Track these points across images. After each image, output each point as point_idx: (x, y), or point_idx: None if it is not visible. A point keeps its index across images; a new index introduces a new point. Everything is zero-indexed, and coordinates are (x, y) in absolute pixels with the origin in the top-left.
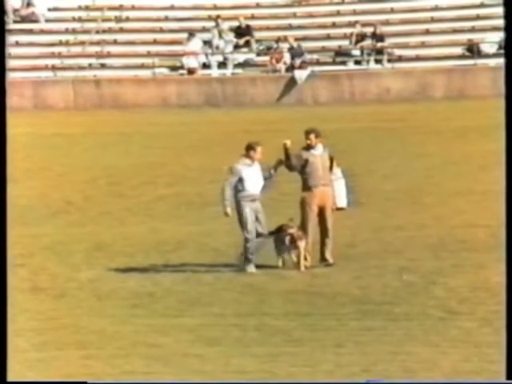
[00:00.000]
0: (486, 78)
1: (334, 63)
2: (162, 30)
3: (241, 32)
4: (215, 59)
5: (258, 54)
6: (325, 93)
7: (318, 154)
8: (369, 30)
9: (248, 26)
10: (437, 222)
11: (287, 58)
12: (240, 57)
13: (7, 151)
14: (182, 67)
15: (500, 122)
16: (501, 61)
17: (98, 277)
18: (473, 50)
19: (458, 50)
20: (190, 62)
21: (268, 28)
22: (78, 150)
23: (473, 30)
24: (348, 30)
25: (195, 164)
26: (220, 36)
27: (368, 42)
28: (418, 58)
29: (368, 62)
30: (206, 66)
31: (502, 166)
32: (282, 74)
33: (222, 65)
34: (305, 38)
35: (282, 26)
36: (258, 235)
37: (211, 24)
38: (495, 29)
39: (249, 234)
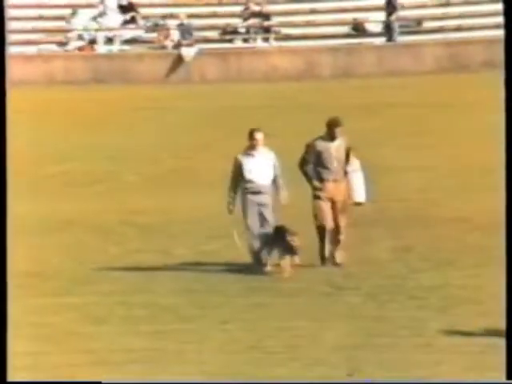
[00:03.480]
0: (371, 56)
1: (221, 41)
2: (47, 6)
3: (126, 8)
4: (102, 35)
5: (146, 31)
6: (212, 70)
7: (334, 146)
8: (255, 8)
9: (131, 3)
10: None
11: (175, 35)
12: (127, 33)
13: None
14: (67, 43)
15: (385, 99)
16: (383, 39)
17: None
18: (358, 29)
19: (344, 29)
20: (77, 38)
21: (154, 5)
22: None
23: (358, 9)
24: (235, 8)
25: (82, 142)
26: (105, 12)
27: (255, 21)
28: (304, 37)
29: (255, 40)
30: (92, 42)
31: (392, 142)
32: (170, 51)
33: (109, 41)
34: (192, 16)
35: (169, 3)
36: (261, 233)
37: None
38: (379, 8)
39: (248, 231)
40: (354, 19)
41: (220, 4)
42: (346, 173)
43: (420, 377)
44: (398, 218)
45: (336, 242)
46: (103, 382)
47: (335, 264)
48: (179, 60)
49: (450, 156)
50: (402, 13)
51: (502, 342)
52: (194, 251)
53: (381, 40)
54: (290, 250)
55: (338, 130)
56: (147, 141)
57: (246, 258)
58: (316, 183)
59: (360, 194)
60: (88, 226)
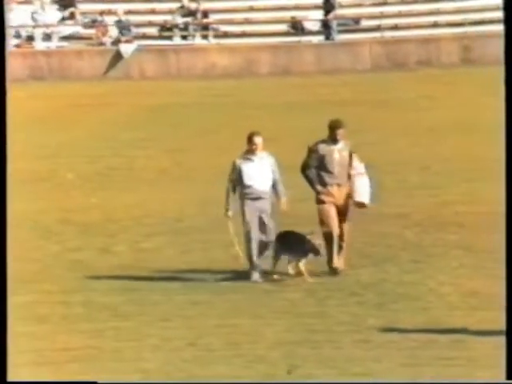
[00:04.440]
0: (310, 54)
1: (160, 38)
2: None
3: (64, 4)
4: (39, 32)
5: (84, 27)
6: (151, 67)
7: (336, 149)
8: (194, 5)
9: None
10: None
11: (113, 31)
12: (65, 29)
13: None
14: None
15: (324, 97)
16: (322, 38)
17: None
18: (297, 28)
19: (283, 27)
20: (14, 35)
21: (93, 0)
22: None
23: (296, 7)
24: (173, 5)
25: (20, 140)
26: (43, 8)
27: (194, 18)
28: (243, 35)
29: (194, 37)
30: (30, 38)
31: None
32: (109, 48)
33: (47, 38)
34: (130, 12)
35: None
36: (261, 241)
37: None
38: (317, 7)
39: (247, 237)
40: (293, 17)
41: (158, 0)
42: (349, 177)
43: (357, 373)
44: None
45: (338, 247)
46: (99, 381)
47: (332, 269)
48: (118, 56)
49: (388, 153)
50: (339, 11)
51: (440, 338)
52: (133, 249)
53: (319, 38)
54: (312, 251)
55: (339, 132)
56: (86, 138)
57: (187, 257)
58: (319, 188)
59: (362, 196)
60: (28, 225)
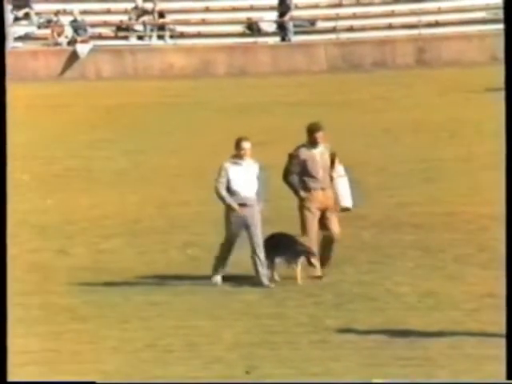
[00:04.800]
0: (266, 55)
1: (116, 38)
2: None
3: (18, 5)
4: None
5: (39, 27)
6: (108, 67)
7: (318, 153)
8: (147, 5)
9: None
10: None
11: (69, 31)
12: (20, 30)
13: None
14: None
15: (280, 98)
16: (278, 39)
17: None
18: (253, 29)
19: (239, 28)
20: None
21: (48, 0)
22: None
23: (252, 8)
24: (129, 5)
25: None
26: None
27: (150, 18)
28: (199, 35)
29: (150, 37)
30: None
31: (285, 141)
32: (64, 48)
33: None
34: (85, 12)
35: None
36: (251, 248)
37: None
38: (273, 8)
39: (225, 243)
40: (249, 18)
41: (114, 0)
42: (331, 179)
43: (316, 373)
44: (293, 215)
45: (330, 250)
46: (98, 381)
47: (317, 278)
48: (74, 57)
49: (344, 154)
50: (295, 13)
51: (397, 338)
52: (92, 250)
53: (275, 39)
54: (304, 252)
55: (319, 135)
56: (42, 139)
57: (146, 258)
58: (303, 193)
59: (347, 200)
60: None
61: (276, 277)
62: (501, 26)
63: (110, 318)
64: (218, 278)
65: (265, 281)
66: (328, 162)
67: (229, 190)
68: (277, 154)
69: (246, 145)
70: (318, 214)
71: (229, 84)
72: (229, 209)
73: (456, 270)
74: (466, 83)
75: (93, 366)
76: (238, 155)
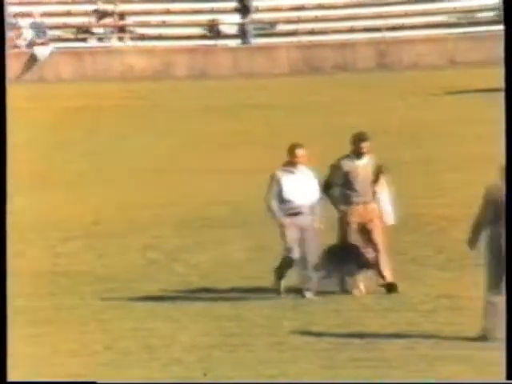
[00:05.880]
0: (226, 58)
1: (76, 40)
2: None
3: None
4: None
5: None
6: (67, 70)
7: (362, 164)
8: (109, 7)
9: None
10: (181, 199)
11: (28, 33)
12: None
13: None
14: None
15: (241, 101)
16: (239, 41)
17: None
18: (213, 31)
19: (200, 30)
20: None
21: (7, 2)
22: None
23: (212, 10)
24: (89, 7)
25: None
26: None
27: (110, 20)
28: (160, 37)
29: (110, 39)
30: None
31: (249, 143)
32: (24, 50)
33: None
34: (45, 14)
35: (22, 1)
36: (302, 259)
37: None
38: (234, 11)
39: (286, 254)
40: (209, 21)
41: (74, 2)
42: (374, 193)
43: (272, 375)
44: (255, 218)
45: (376, 261)
46: (99, 382)
47: (388, 286)
48: (33, 59)
49: (308, 156)
50: (256, 15)
51: (354, 339)
52: (50, 253)
53: (236, 42)
54: (365, 264)
55: (364, 146)
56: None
57: (104, 260)
58: (343, 207)
59: (389, 216)
60: None
61: (361, 287)
62: (461, 30)
63: (68, 321)
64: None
65: (307, 293)
66: (371, 175)
67: (281, 198)
68: (239, 158)
69: (301, 152)
70: (357, 228)
71: (189, 86)
72: (283, 217)
73: (413, 272)
74: (426, 86)
75: (50, 369)
76: (291, 162)
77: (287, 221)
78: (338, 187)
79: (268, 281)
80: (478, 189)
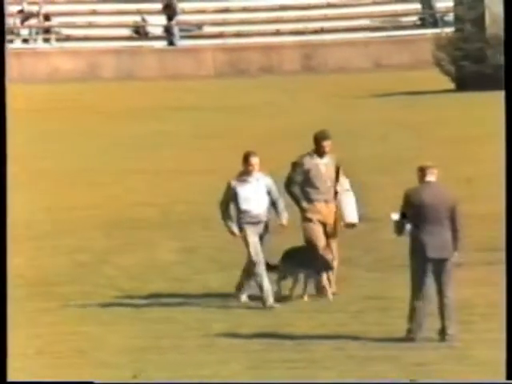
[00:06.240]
0: (153, 59)
1: None
2: None
3: None
4: None
5: None
6: None
7: (323, 163)
8: (35, 8)
9: None
10: (109, 201)
11: None
12: None
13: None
14: None
15: (168, 102)
16: (165, 43)
17: None
18: (139, 32)
19: (126, 32)
20: None
21: (9, 2)
22: None
23: (138, 12)
24: (14, 8)
25: None
26: None
27: (35, 21)
28: (86, 38)
29: (36, 40)
30: None
31: (176, 145)
32: None
33: None
34: None
35: None
36: (268, 266)
37: None
38: (160, 12)
39: (254, 262)
40: (135, 22)
41: None
42: (335, 193)
43: (203, 375)
44: (183, 220)
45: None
46: (95, 381)
47: (330, 293)
48: None
49: (232, 158)
50: (182, 17)
51: (284, 341)
52: None
53: (162, 43)
54: (325, 266)
55: (326, 144)
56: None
57: (34, 263)
58: (305, 204)
59: (352, 215)
60: None
61: (305, 297)
62: (384, 34)
63: None
64: (244, 297)
65: (269, 300)
66: (333, 174)
67: (238, 207)
68: (166, 159)
69: (255, 160)
70: (320, 225)
71: (116, 88)
72: (242, 228)
73: (342, 273)
74: (351, 89)
75: None
76: (245, 171)
77: (249, 229)
78: (299, 185)
79: (197, 283)
80: (403, 190)
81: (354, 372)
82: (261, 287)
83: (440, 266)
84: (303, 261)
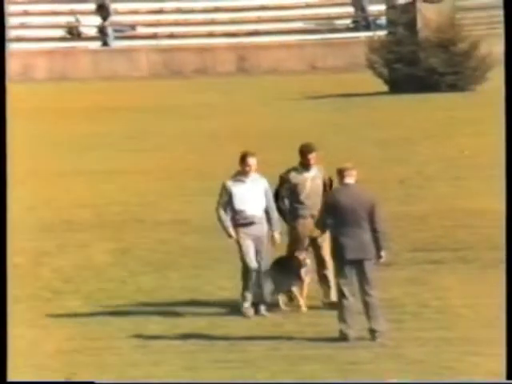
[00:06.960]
0: (86, 60)
1: None
2: None
3: None
4: None
5: None
6: None
7: (310, 177)
8: None
9: None
10: (43, 203)
11: None
12: None
13: None
14: None
15: (102, 103)
16: (99, 44)
17: None
18: (73, 33)
19: (59, 32)
20: None
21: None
22: None
23: (72, 12)
24: None
25: None
26: None
27: None
28: (19, 39)
29: None
30: None
31: (109, 146)
32: None
33: None
34: None
35: None
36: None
37: None
38: (93, 13)
39: (247, 266)
40: (69, 23)
41: None
42: None
43: (137, 376)
44: (116, 221)
45: (327, 278)
46: (96, 381)
47: (331, 304)
48: None
49: (165, 159)
50: (116, 18)
51: (218, 341)
52: None
53: (96, 44)
54: (296, 279)
55: (311, 157)
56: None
57: None
58: (290, 221)
59: None
60: None
61: (282, 305)
62: (319, 36)
63: None
64: (246, 306)
65: (260, 308)
66: (320, 187)
67: (233, 208)
68: (100, 160)
69: (252, 160)
70: (307, 241)
71: (49, 89)
72: (236, 229)
73: None
74: (286, 91)
75: None
76: (242, 172)
77: (242, 231)
78: (286, 199)
79: (131, 283)
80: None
81: (288, 372)
82: (254, 293)
83: (360, 266)
84: (281, 272)
